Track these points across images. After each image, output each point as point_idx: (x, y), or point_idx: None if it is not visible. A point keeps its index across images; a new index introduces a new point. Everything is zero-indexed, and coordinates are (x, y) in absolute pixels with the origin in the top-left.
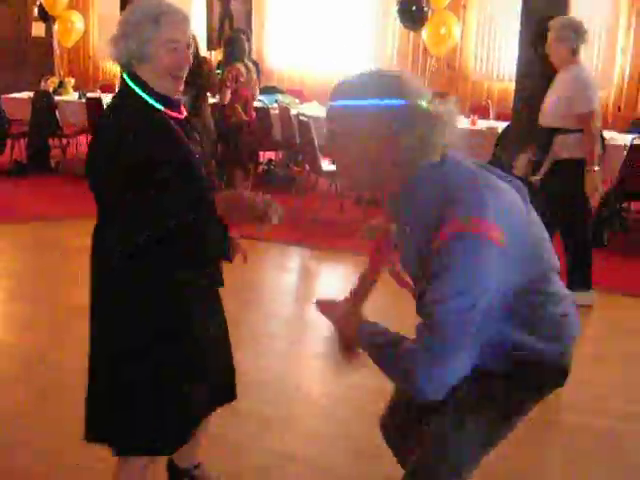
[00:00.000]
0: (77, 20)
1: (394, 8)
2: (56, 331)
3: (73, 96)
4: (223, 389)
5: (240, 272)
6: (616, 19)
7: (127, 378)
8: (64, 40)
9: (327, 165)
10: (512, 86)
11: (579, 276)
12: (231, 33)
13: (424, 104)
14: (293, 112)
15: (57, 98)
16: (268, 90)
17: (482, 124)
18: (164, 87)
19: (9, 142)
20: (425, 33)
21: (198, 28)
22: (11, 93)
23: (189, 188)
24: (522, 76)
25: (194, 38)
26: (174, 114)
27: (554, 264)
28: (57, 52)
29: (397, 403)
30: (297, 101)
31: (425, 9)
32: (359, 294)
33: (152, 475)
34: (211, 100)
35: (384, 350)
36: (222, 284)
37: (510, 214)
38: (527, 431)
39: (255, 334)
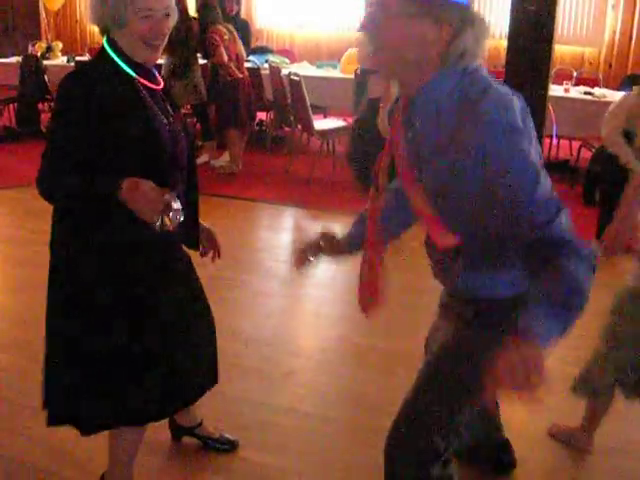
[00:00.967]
0: None
1: None
2: None
3: (61, 60)
4: (204, 374)
5: (235, 233)
6: None
7: (83, 351)
8: (50, 4)
9: (319, 124)
10: (503, 43)
11: None
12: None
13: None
14: (284, 72)
15: (45, 62)
16: (258, 50)
17: None
18: (139, 55)
19: None
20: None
21: None
22: None
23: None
24: (515, 34)
25: (181, 2)
26: (148, 83)
27: None
28: (44, 16)
29: None
30: (287, 61)
31: None
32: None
33: (154, 432)
34: (201, 61)
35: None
36: (190, 246)
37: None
38: None
39: (253, 293)
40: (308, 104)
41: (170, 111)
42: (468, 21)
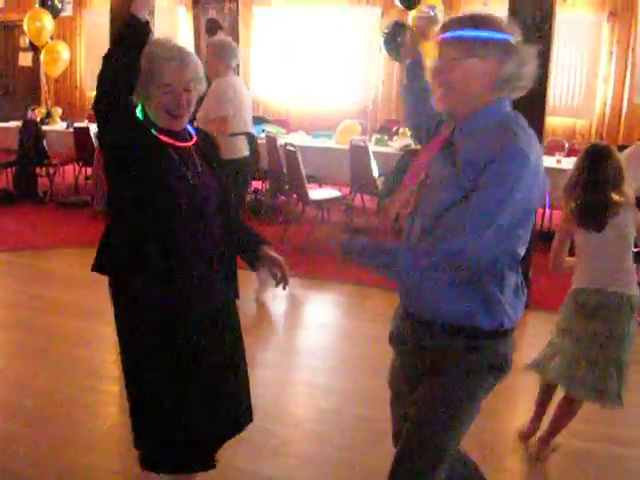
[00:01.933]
0: (63, 50)
1: (379, 39)
2: (44, 358)
3: (60, 126)
4: (227, 420)
5: None
6: (597, 48)
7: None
8: (50, 70)
9: (315, 194)
10: None
11: None
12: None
13: (521, 44)
14: (280, 142)
15: (44, 127)
16: (255, 120)
17: None
18: (163, 123)
19: None
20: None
21: None
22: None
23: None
24: None
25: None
26: (170, 140)
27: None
28: (44, 82)
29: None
30: (284, 131)
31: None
32: None
33: None
34: None
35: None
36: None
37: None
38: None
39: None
40: (304, 174)
41: (199, 166)
42: (509, 52)
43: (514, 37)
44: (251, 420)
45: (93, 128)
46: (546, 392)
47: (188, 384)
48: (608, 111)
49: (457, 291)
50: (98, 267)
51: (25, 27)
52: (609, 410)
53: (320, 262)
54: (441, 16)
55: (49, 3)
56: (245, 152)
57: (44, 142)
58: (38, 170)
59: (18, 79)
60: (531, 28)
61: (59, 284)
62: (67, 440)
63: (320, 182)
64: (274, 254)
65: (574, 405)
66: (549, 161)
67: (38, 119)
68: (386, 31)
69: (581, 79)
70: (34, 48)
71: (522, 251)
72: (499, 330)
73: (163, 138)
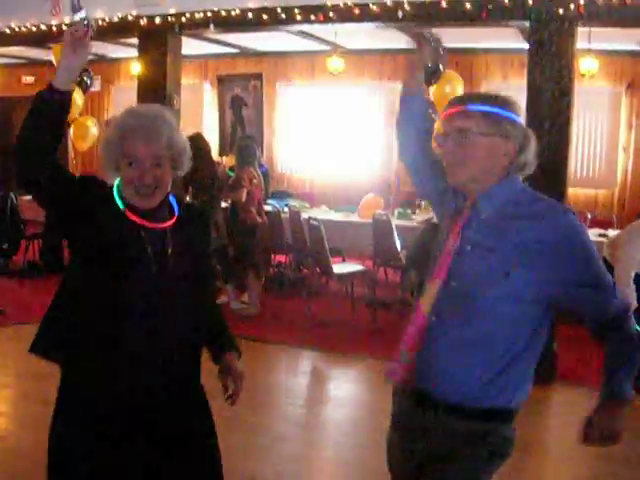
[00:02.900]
0: (92, 125)
1: None
2: None
3: None
4: None
5: (253, 376)
6: (617, 119)
7: None
8: (79, 144)
9: (338, 268)
10: None
11: None
12: (242, 140)
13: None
14: (304, 216)
15: None
16: (279, 194)
17: None
18: (131, 199)
19: (23, 243)
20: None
21: (210, 134)
22: (27, 195)
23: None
24: (530, 178)
25: (205, 147)
26: (142, 221)
27: None
28: (72, 155)
29: None
30: (307, 205)
31: (433, 116)
32: None
33: None
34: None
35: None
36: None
37: None
38: None
39: (271, 438)
40: (327, 248)
41: (168, 251)
42: (528, 139)
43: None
44: None
45: None
46: None
47: None
48: (630, 181)
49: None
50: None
51: None
52: None
53: (342, 336)
54: (460, 89)
55: (79, 80)
56: None
57: None
58: (65, 243)
59: None
60: (551, 102)
61: None
62: None
63: (343, 256)
64: (236, 366)
65: None
66: None
67: None
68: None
69: (601, 150)
70: None
71: None
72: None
73: (131, 216)
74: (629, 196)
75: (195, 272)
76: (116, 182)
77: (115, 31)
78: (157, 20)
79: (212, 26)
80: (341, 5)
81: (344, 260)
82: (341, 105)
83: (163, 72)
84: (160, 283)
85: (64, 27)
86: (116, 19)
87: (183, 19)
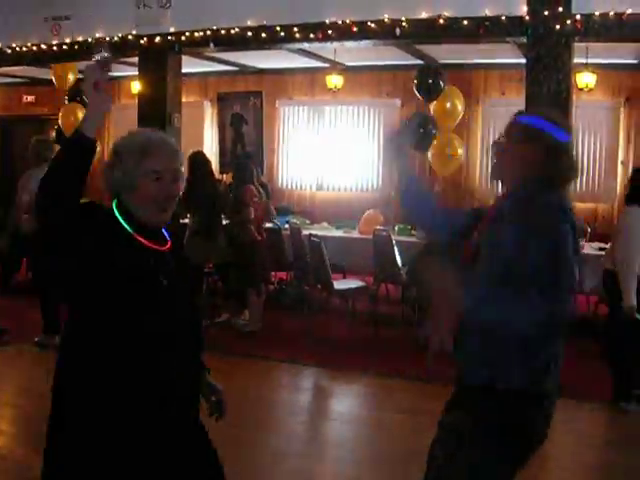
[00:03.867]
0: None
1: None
2: None
3: None
4: None
5: (254, 392)
6: (616, 133)
7: None
8: None
9: (339, 284)
10: None
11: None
12: (239, 158)
13: (570, 148)
14: (304, 232)
15: None
16: (280, 211)
17: None
18: (150, 216)
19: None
20: (431, 154)
21: (211, 152)
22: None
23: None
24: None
25: (207, 164)
26: (147, 242)
27: None
28: None
29: None
30: (308, 222)
31: (433, 131)
32: None
33: None
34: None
35: None
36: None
37: None
38: None
39: (272, 454)
40: (328, 264)
41: (172, 271)
42: (560, 153)
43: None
44: None
45: None
46: None
47: None
48: None
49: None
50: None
51: (60, 121)
52: None
53: (344, 353)
54: (460, 104)
55: (77, 99)
56: None
57: None
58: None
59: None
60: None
61: None
62: None
63: (344, 272)
64: (215, 382)
65: None
66: None
67: None
68: (407, 122)
69: (600, 164)
70: (60, 142)
71: None
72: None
73: (139, 239)
74: None
75: (192, 291)
76: (114, 205)
77: (115, 50)
78: (157, 39)
79: (212, 44)
80: (339, 23)
81: (345, 276)
82: (341, 121)
83: (163, 90)
84: (173, 304)
85: (64, 47)
86: (116, 38)
87: (183, 38)
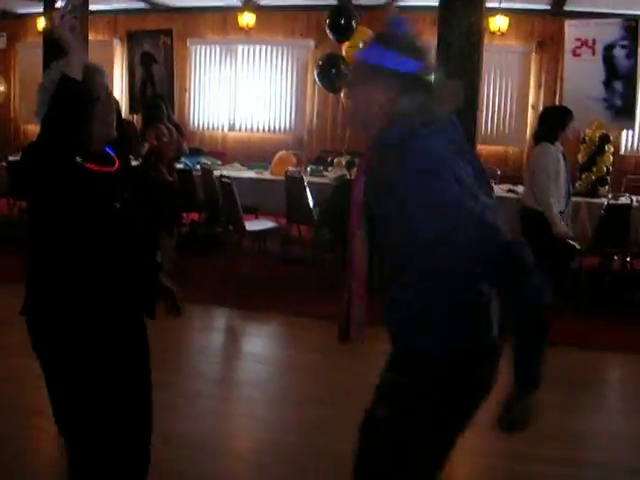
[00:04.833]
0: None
1: (314, 71)
2: None
3: None
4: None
5: (167, 334)
6: (527, 77)
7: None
8: None
9: (251, 225)
10: None
11: None
12: (149, 99)
13: (431, 77)
14: (216, 173)
15: None
16: (191, 152)
17: None
18: (99, 134)
19: None
20: (343, 94)
21: (120, 92)
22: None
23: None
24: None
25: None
26: (98, 167)
27: None
28: None
29: None
30: (219, 162)
31: (344, 71)
32: None
33: None
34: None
35: None
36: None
37: None
38: None
39: (184, 395)
40: (239, 205)
41: (125, 191)
42: (409, 87)
43: (425, 68)
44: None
45: None
46: None
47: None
48: None
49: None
50: (31, 311)
51: None
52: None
53: (256, 294)
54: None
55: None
56: None
57: None
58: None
59: None
60: (460, 59)
61: None
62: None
63: (257, 213)
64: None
65: None
66: None
67: None
68: (320, 63)
69: (511, 107)
70: None
71: None
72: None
73: (93, 167)
74: None
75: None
76: None
77: None
78: None
79: None
80: None
81: (257, 217)
82: (253, 62)
83: None
84: (126, 224)
85: None
86: None
87: None
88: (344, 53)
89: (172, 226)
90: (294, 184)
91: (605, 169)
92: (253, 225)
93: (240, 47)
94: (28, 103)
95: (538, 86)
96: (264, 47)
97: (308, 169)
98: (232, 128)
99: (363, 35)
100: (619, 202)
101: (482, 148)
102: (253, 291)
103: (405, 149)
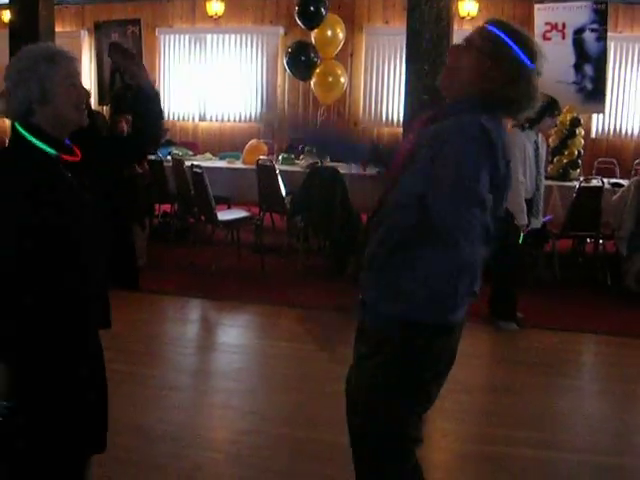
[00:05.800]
0: None
1: (283, 58)
2: None
3: None
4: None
5: (141, 325)
6: None
7: None
8: None
9: (223, 215)
10: (400, 130)
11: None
12: (118, 89)
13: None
14: (187, 164)
15: None
16: (162, 143)
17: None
18: (71, 120)
19: None
20: (313, 82)
21: (89, 83)
22: None
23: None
24: (409, 120)
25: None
26: (68, 157)
27: None
28: None
29: None
30: (190, 153)
31: (314, 59)
32: None
33: None
34: None
35: None
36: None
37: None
38: None
39: (158, 387)
40: (211, 195)
41: (87, 183)
42: (519, 82)
43: (536, 70)
44: None
45: None
46: None
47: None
48: None
49: None
50: None
51: None
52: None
53: (230, 284)
54: (341, 32)
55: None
56: None
57: None
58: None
59: None
60: (430, 45)
61: None
62: None
63: (229, 203)
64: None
65: None
66: None
67: None
68: (290, 50)
69: None
70: None
71: None
72: None
73: (64, 157)
74: None
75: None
76: (19, 129)
77: None
78: None
79: None
80: None
81: (230, 207)
82: (223, 50)
83: (35, 19)
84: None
85: None
86: None
87: None
88: (313, 40)
89: (144, 218)
90: (266, 173)
91: (576, 152)
92: (225, 215)
93: (209, 35)
94: None
95: None
96: (233, 35)
97: (279, 158)
98: (203, 118)
99: (332, 22)
100: (591, 185)
101: None
102: (227, 281)
103: (464, 123)
